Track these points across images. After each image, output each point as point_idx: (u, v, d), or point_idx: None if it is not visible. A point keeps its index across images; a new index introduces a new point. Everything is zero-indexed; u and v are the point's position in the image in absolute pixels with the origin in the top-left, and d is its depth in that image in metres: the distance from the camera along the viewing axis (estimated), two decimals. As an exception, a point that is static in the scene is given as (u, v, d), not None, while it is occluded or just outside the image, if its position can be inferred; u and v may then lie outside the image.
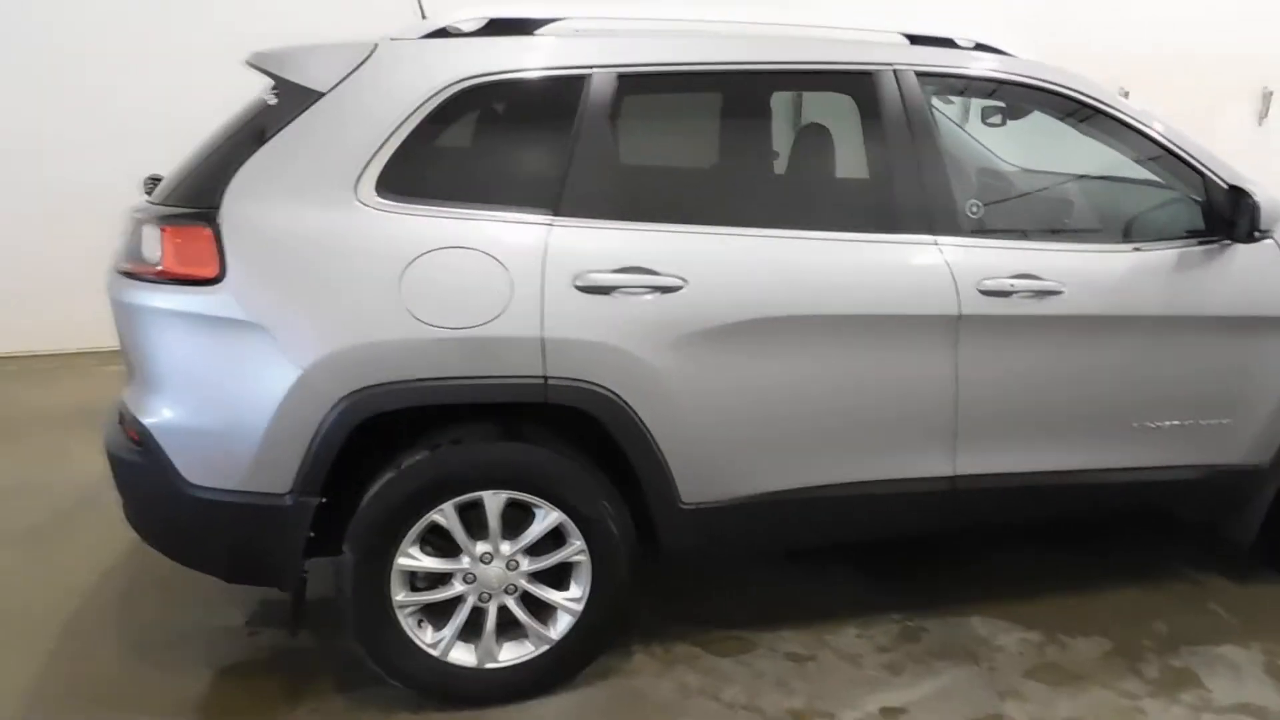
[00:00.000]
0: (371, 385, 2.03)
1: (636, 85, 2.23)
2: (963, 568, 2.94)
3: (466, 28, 2.27)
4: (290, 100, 2.11)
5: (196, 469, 2.08)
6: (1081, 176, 2.84)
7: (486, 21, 2.28)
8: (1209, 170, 2.48)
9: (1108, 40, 5.69)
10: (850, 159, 2.39)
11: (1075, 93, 2.46)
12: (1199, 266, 2.47)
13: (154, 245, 2.05)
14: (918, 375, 2.33)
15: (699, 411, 2.21)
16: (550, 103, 2.20)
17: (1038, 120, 2.66)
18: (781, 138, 2.58)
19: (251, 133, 2.14)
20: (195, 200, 2.08)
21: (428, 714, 2.28)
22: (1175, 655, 2.52)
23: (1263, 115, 6.39)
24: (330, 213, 2.06)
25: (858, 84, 2.34)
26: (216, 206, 2.04)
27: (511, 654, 2.29)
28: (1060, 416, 2.47)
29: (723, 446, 2.25)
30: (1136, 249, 2.46)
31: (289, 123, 2.09)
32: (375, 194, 2.07)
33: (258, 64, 2.22)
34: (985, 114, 2.92)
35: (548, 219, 2.12)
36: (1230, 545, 2.91)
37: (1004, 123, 2.85)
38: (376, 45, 2.18)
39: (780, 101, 2.61)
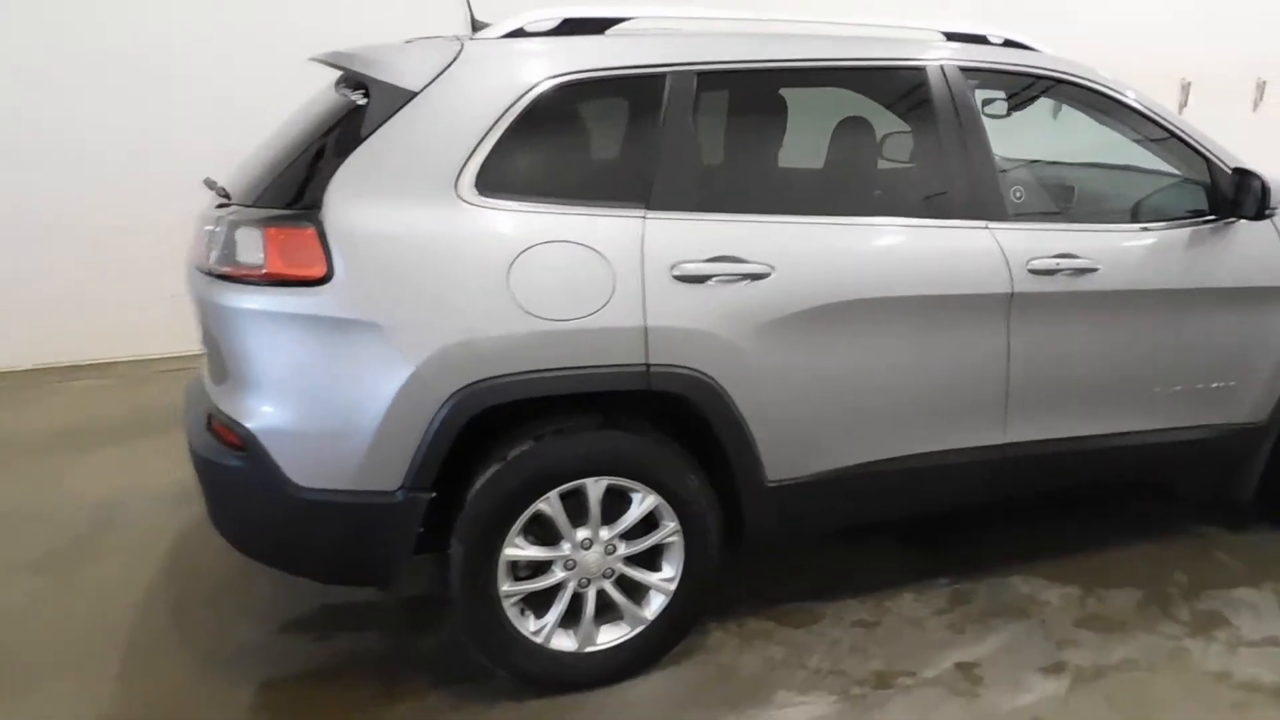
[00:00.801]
0: (483, 379, 2.09)
1: (713, 82, 2.34)
2: (992, 534, 3.16)
3: (543, 27, 2.35)
4: (383, 100, 2.14)
5: (304, 471, 2.09)
6: (1101, 164, 3.08)
7: (560, 21, 2.35)
8: (1214, 156, 2.75)
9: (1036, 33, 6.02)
10: (904, 150, 2.56)
11: (1097, 85, 2.70)
12: (1209, 243, 2.74)
13: (255, 247, 2.05)
14: (976, 350, 2.52)
15: (784, 392, 2.34)
16: (635, 100, 2.30)
17: (1033, 110, 2.89)
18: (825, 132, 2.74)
19: (343, 132, 2.17)
20: (293, 201, 2.09)
21: (529, 702, 2.34)
22: (1199, 600, 2.79)
23: (1182, 105, 6.91)
24: (433, 210, 2.11)
25: (914, 80, 2.51)
26: (318, 207, 2.06)
27: (608, 637, 2.38)
28: (1093, 385, 2.70)
29: (804, 425, 2.39)
30: (1158, 229, 2.70)
31: (384, 122, 2.12)
32: (475, 191, 2.13)
33: (341, 64, 2.24)
34: (983, 105, 3.14)
35: (641, 212, 2.22)
36: (1227, 502, 3.21)
37: (1008, 114, 3.07)
38: (463, 45, 2.23)
39: (814, 97, 2.76)
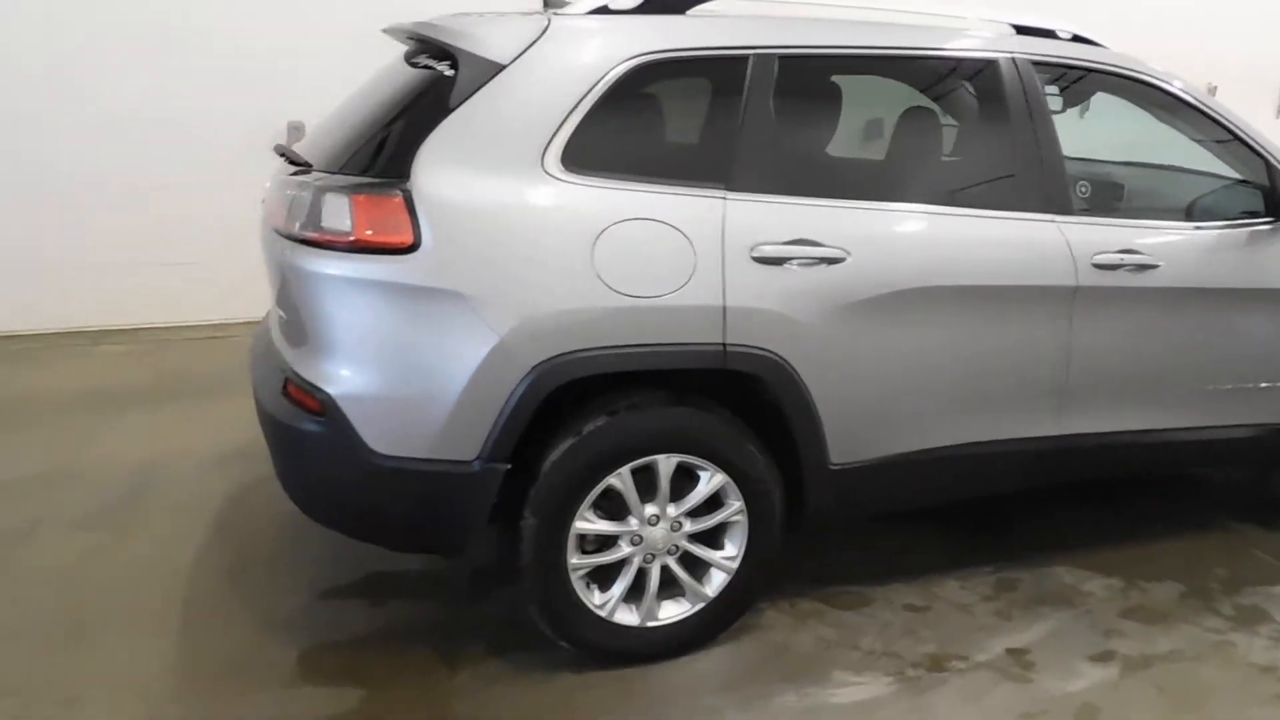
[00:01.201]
0: (566, 352, 2.12)
1: (795, 67, 2.36)
2: (1034, 524, 3.21)
3: (626, 5, 2.36)
4: (471, 71, 2.16)
5: (382, 437, 2.12)
6: (1146, 163, 3.12)
7: (642, 0, 2.37)
8: (1275, 159, 2.79)
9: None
10: (976, 141, 2.59)
11: (1163, 83, 2.74)
12: (1265, 245, 2.78)
13: (342, 214, 2.07)
14: (1039, 342, 2.56)
15: (852, 376, 2.37)
16: (717, 81, 2.32)
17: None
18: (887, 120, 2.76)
19: (428, 103, 2.18)
20: (380, 169, 2.11)
21: (589, 673, 2.38)
22: (1240, 595, 2.85)
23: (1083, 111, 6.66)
24: (519, 183, 2.13)
25: (989, 71, 2.54)
26: (405, 175, 2.07)
27: (670, 612, 2.42)
28: (1147, 380, 2.75)
29: (869, 409, 2.43)
30: (1214, 228, 2.74)
31: (472, 94, 2.14)
32: (561, 166, 2.15)
33: (427, 34, 2.26)
34: (933, 98, 3.12)
35: (722, 193, 2.24)
36: (1263, 501, 3.27)
37: (1063, 110, 3.10)
38: (550, 20, 2.25)
39: (887, 85, 2.78)
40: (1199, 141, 2.85)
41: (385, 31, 2.47)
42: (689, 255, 2.19)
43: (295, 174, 2.30)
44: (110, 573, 2.79)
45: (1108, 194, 2.97)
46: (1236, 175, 2.88)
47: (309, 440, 2.17)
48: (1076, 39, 2.74)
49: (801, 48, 2.37)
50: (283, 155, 2.61)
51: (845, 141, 2.62)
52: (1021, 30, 2.70)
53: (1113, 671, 2.46)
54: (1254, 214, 2.82)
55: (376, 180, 2.09)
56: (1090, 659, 2.51)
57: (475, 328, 2.08)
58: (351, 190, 2.07)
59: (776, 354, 2.27)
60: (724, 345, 2.23)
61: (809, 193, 2.33)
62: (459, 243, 2.07)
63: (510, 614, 2.59)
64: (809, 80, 2.46)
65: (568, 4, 2.62)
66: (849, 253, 2.30)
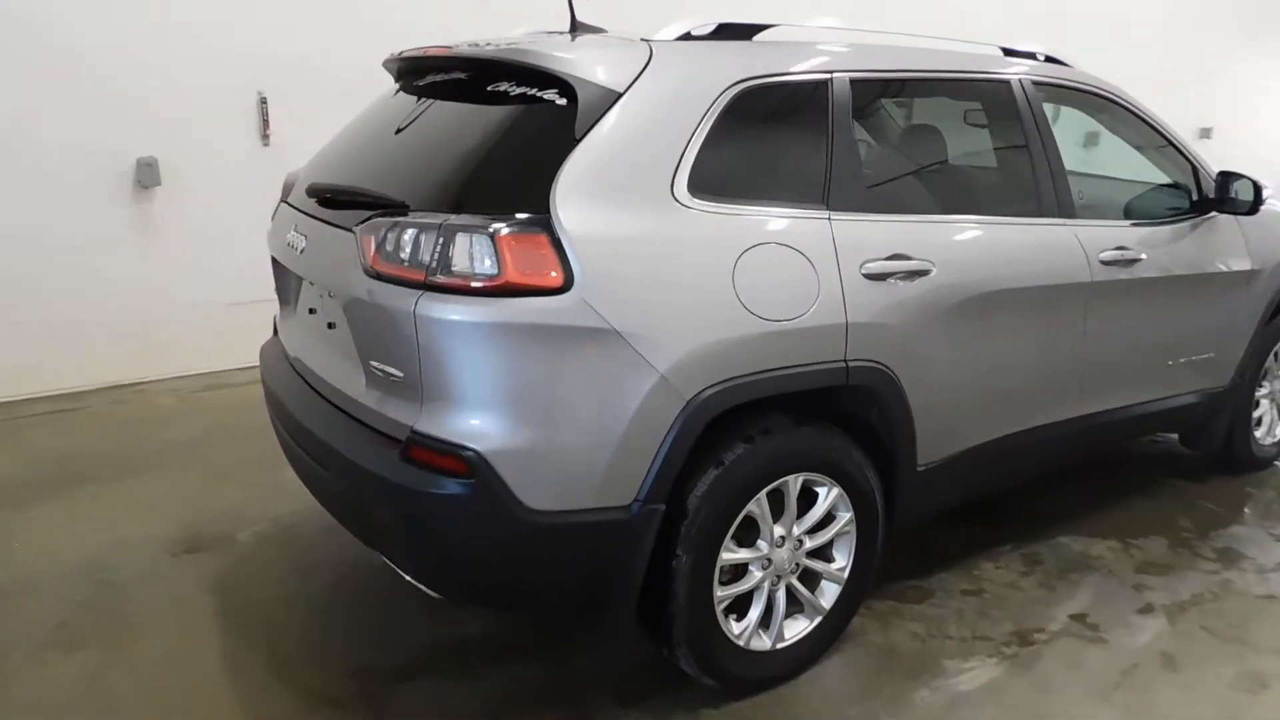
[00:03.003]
0: (717, 382, 2.13)
1: (868, 89, 2.52)
2: (1022, 508, 3.55)
3: (703, 31, 2.41)
4: (590, 100, 2.12)
5: (539, 492, 2.02)
6: (1098, 174, 3.57)
7: (716, 26, 2.43)
8: (1200, 162, 3.32)
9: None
10: (1008, 156, 2.87)
11: (1121, 98, 3.17)
12: (1205, 234, 3.30)
13: (485, 255, 1.96)
14: (1067, 332, 2.89)
15: (938, 380, 2.56)
16: (807, 105, 2.42)
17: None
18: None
19: (546, 133, 2.12)
20: (518, 206, 2.01)
21: (727, 705, 2.41)
22: (1211, 540, 3.35)
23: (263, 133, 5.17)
24: (655, 213, 2.12)
25: (1009, 94, 2.83)
26: (546, 211, 2.00)
27: (793, 631, 2.48)
28: (1132, 360, 3.17)
29: (948, 410, 2.63)
30: (1169, 224, 3.21)
31: (595, 123, 2.10)
32: (688, 193, 2.16)
33: (530, 61, 2.18)
34: (967, 116, 3.55)
35: (825, 213, 2.35)
36: (1191, 457, 3.85)
37: (986, 124, 3.47)
38: (651, 47, 2.25)
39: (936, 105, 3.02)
40: (1139, 148, 3.32)
41: (487, 57, 2.33)
42: (813, 275, 2.27)
43: (380, 214, 2.13)
44: (132, 697, 2.41)
45: (1095, 198, 3.37)
46: (1169, 179, 3.38)
47: (451, 505, 2.02)
48: (1049, 59, 3.11)
49: (874, 72, 2.54)
50: (322, 194, 2.40)
51: (915, 158, 2.81)
52: (1008, 53, 3.03)
53: (1161, 621, 2.82)
54: (1186, 210, 3.33)
55: (520, 218, 1.99)
56: (1138, 613, 2.86)
57: (634, 365, 2.04)
58: (496, 230, 1.96)
59: (885, 365, 2.41)
60: (846, 362, 2.33)
61: (894, 209, 2.50)
62: (608, 278, 2.03)
63: (622, 664, 2.53)
64: (878, 102, 2.62)
65: (600, 29, 2.63)
66: (934, 264, 2.48)
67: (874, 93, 2.59)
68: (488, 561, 2.11)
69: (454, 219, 2.00)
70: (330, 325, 2.45)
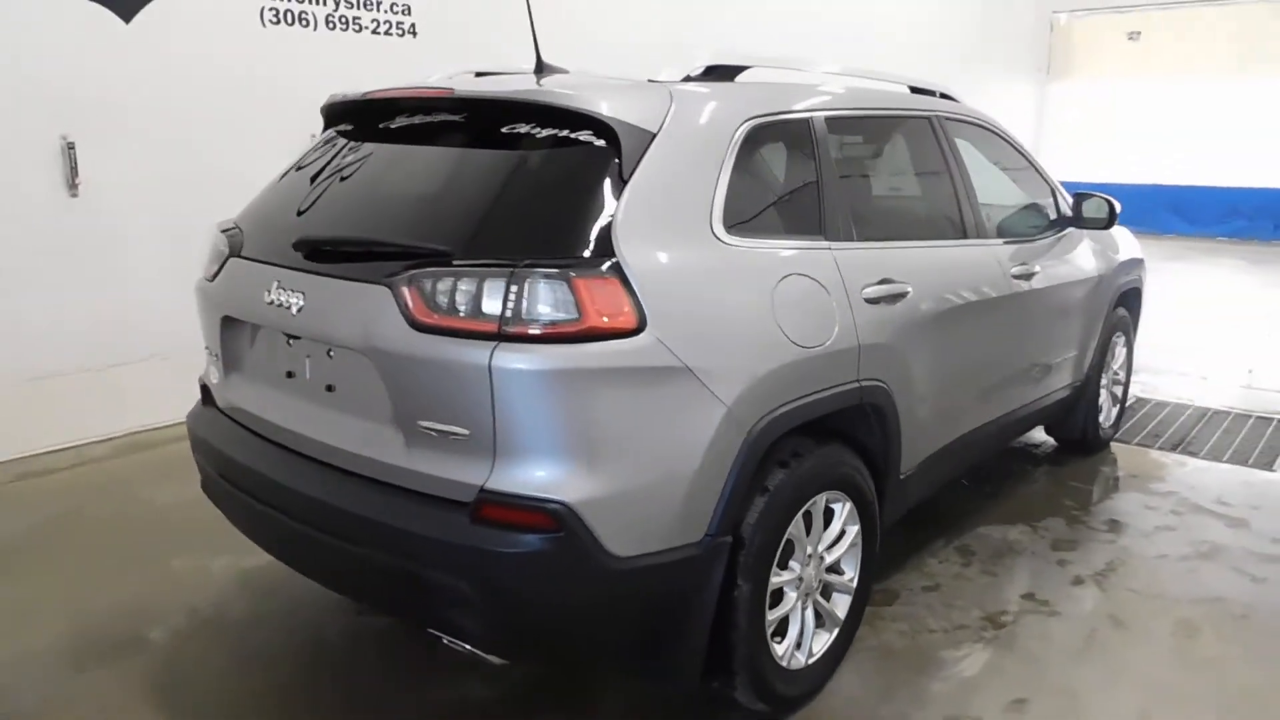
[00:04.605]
0: (769, 410, 2.25)
1: (838, 125, 2.75)
2: (932, 507, 3.91)
3: (695, 73, 2.55)
4: (631, 141, 2.17)
5: (621, 537, 2.05)
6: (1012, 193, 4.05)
7: (705, 69, 2.58)
8: (1055, 184, 3.89)
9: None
10: (945, 183, 3.22)
11: (1000, 131, 3.66)
12: (1067, 247, 3.86)
13: (563, 301, 1.96)
14: (995, 341, 3.28)
15: (915, 393, 2.84)
16: (798, 140, 2.62)
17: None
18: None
19: (589, 175, 2.15)
20: (584, 250, 2.03)
21: (774, 728, 2.50)
22: (1094, 515, 3.90)
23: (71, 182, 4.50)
24: (702, 249, 2.22)
25: (930, 127, 3.19)
26: (612, 254, 2.03)
27: (819, 644, 2.63)
28: (1034, 361, 3.64)
29: (924, 419, 2.92)
30: (1044, 240, 3.73)
31: (638, 164, 2.16)
32: (724, 229, 2.27)
33: (566, 104, 2.19)
34: (909, 148, 3.88)
35: (826, 244, 2.55)
36: (1041, 447, 4.45)
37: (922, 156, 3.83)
38: (668, 87, 2.35)
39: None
40: (1009, 172, 3.84)
41: (518, 99, 2.29)
42: (830, 302, 2.46)
43: (417, 265, 2.06)
44: None
45: (996, 220, 3.80)
46: (1035, 199, 3.92)
47: (534, 563, 1.99)
48: (944, 96, 3.52)
49: (840, 109, 2.78)
50: (320, 246, 2.27)
51: (880, 189, 3.08)
52: (915, 91, 3.40)
53: (1094, 589, 3.26)
54: (1049, 227, 3.87)
55: (594, 261, 2.01)
56: (1072, 584, 3.29)
57: (704, 400, 2.12)
58: (573, 274, 1.97)
59: (885, 383, 2.64)
60: (860, 382, 2.53)
61: (873, 237, 2.75)
62: (675, 317, 2.09)
63: (639, 707, 2.56)
64: (849, 138, 2.86)
65: (563, 70, 2.70)
66: (910, 286, 2.75)
67: (843, 129, 2.83)
68: (568, 617, 2.09)
69: (526, 266, 1.98)
70: (329, 388, 2.31)
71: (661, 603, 2.16)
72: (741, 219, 2.33)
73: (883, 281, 2.66)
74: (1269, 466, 4.42)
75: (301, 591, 3.21)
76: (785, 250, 2.42)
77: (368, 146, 2.61)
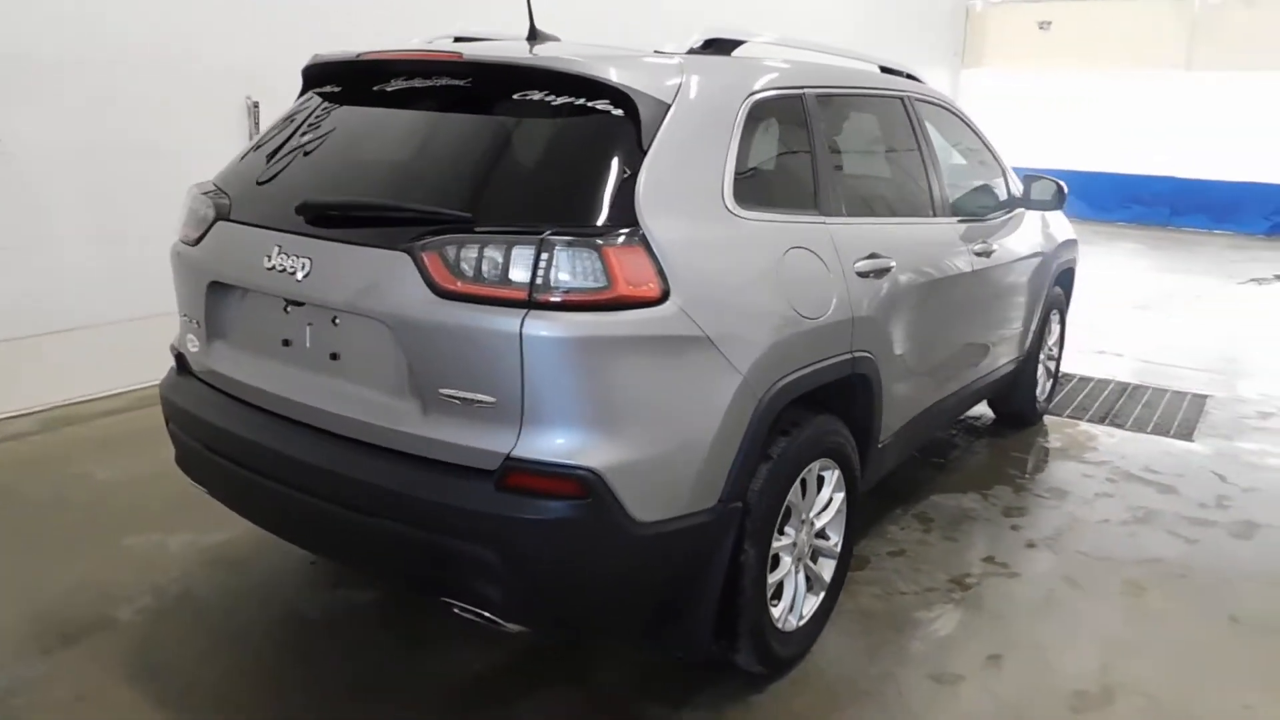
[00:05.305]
0: (777, 380, 2.33)
1: (826, 103, 2.84)
2: (889, 475, 4.10)
3: (696, 45, 2.59)
4: (650, 113, 2.20)
5: (644, 503, 2.10)
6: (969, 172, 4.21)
7: (705, 41, 2.62)
8: (1006, 165, 4.08)
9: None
10: (915, 161, 3.34)
11: (958, 112, 3.82)
12: (1016, 226, 4.06)
13: (592, 269, 1.99)
14: (959, 316, 3.45)
15: (896, 365, 2.97)
16: (793, 116, 2.69)
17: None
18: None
19: (606, 144, 2.17)
20: (607, 219, 2.06)
21: (770, 688, 2.61)
22: (1038, 483, 4.15)
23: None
24: (715, 221, 2.28)
25: (903, 106, 3.31)
26: (636, 223, 2.07)
27: (808, 607, 2.75)
28: (988, 336, 3.84)
29: (901, 390, 3.05)
30: (997, 219, 3.92)
31: (655, 135, 2.20)
32: (735, 202, 2.34)
33: (585, 72, 2.20)
34: (884, 126, 3.98)
35: (820, 218, 2.64)
36: (980, 420, 4.70)
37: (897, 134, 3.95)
38: (679, 59, 2.38)
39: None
40: (964, 152, 4.00)
41: (440, 61, 2.28)
42: (827, 276, 2.55)
43: (438, 231, 2.06)
44: None
45: (954, 198, 3.96)
46: (985, 179, 4.11)
47: (560, 530, 2.03)
48: (910, 76, 3.65)
49: (827, 87, 2.86)
50: (327, 211, 2.23)
51: (864, 166, 3.17)
52: (884, 70, 3.52)
53: (1047, 553, 3.48)
54: (1003, 205, 4.06)
55: (621, 230, 2.04)
56: (1026, 548, 3.51)
57: (722, 368, 2.18)
58: (603, 242, 2.00)
59: (872, 354, 2.75)
60: (852, 353, 2.64)
61: (859, 213, 2.86)
62: (695, 286, 2.15)
63: (636, 672, 2.64)
64: (836, 115, 2.94)
65: (554, 38, 2.72)
66: (894, 261, 2.87)
67: (830, 106, 2.92)
68: (591, 583, 2.14)
69: (555, 233, 2.00)
70: (334, 356, 2.28)
71: (679, 568, 2.23)
72: (747, 192, 2.39)
73: (871, 256, 2.77)
74: (1188, 437, 4.77)
75: (272, 567, 3.17)
76: (785, 223, 2.50)
77: (360, 110, 2.56)
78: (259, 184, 2.50)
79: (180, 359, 2.71)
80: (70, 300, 4.56)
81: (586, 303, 1.99)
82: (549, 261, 1.98)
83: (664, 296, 2.07)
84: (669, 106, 2.25)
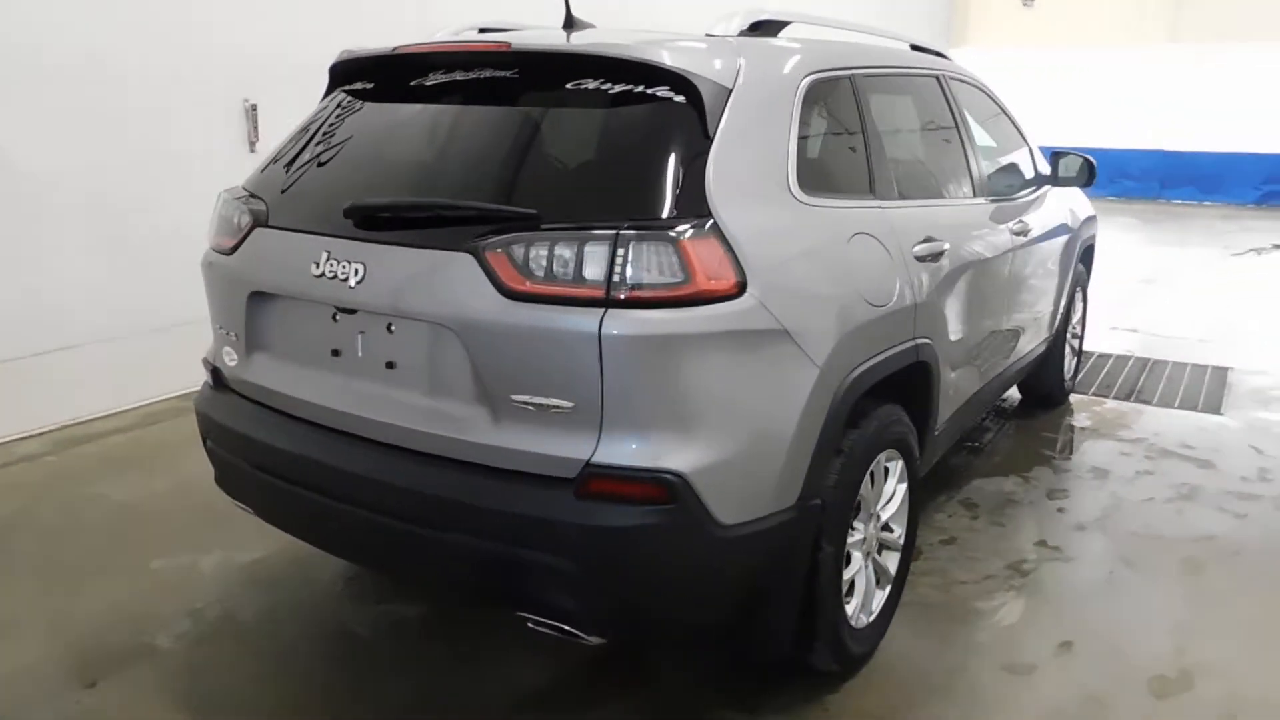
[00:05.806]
0: (849, 371, 2.27)
1: (871, 85, 2.77)
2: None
3: (744, 26, 2.52)
4: (713, 99, 2.13)
5: (728, 505, 2.04)
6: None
7: (751, 23, 2.55)
8: (1032, 144, 4.04)
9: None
10: (954, 144, 3.28)
11: (986, 89, 3.77)
12: (1045, 204, 4.01)
13: (670, 264, 1.92)
14: (1003, 297, 3.40)
15: (951, 350, 2.92)
16: (845, 98, 2.62)
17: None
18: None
19: (670, 133, 2.10)
20: (680, 211, 1.98)
21: (844, 686, 2.56)
22: (1076, 463, 4.12)
23: None
24: (783, 209, 2.21)
25: (940, 86, 3.26)
26: (708, 215, 2.00)
27: (876, 602, 2.69)
28: (1026, 315, 3.79)
29: (955, 375, 3.00)
30: (1024, 196, 3.87)
31: (720, 122, 2.12)
32: (800, 188, 2.27)
33: (646, 57, 2.12)
34: (925, 107, 3.90)
35: (876, 202, 2.57)
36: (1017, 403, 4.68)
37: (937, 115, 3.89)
38: (735, 41, 2.31)
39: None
40: (995, 132, 3.95)
41: (488, 52, 2.20)
42: (889, 262, 2.49)
43: (501, 230, 1.97)
44: None
45: (994, 177, 3.89)
46: (1014, 157, 4.06)
47: (644, 537, 1.96)
48: (938, 54, 3.59)
49: (871, 68, 2.80)
50: (380, 212, 2.14)
51: (912, 147, 3.11)
52: (915, 49, 3.46)
53: (1097, 534, 3.45)
54: (1031, 183, 4.01)
55: (696, 222, 1.96)
56: (1076, 530, 3.48)
57: (800, 362, 2.12)
58: (679, 235, 1.92)
59: (931, 340, 2.70)
60: (915, 340, 2.58)
61: (911, 196, 2.80)
62: (769, 277, 2.08)
63: (709, 678, 2.58)
64: (883, 96, 2.87)
65: (590, 25, 2.64)
66: (946, 244, 2.81)
67: (877, 88, 2.85)
68: (674, 590, 2.07)
69: (629, 228, 1.92)
70: (390, 365, 2.19)
71: (762, 570, 2.16)
72: (809, 178, 2.32)
73: (926, 240, 2.71)
74: (1216, 410, 4.76)
75: (310, 583, 3.08)
76: (847, 209, 2.44)
77: (395, 107, 2.47)
78: (296, 188, 2.40)
79: (216, 373, 2.61)
80: (75, 315, 4.43)
81: (666, 299, 1.92)
82: (625, 257, 1.91)
83: (741, 289, 2.00)
84: (730, 91, 2.18)
